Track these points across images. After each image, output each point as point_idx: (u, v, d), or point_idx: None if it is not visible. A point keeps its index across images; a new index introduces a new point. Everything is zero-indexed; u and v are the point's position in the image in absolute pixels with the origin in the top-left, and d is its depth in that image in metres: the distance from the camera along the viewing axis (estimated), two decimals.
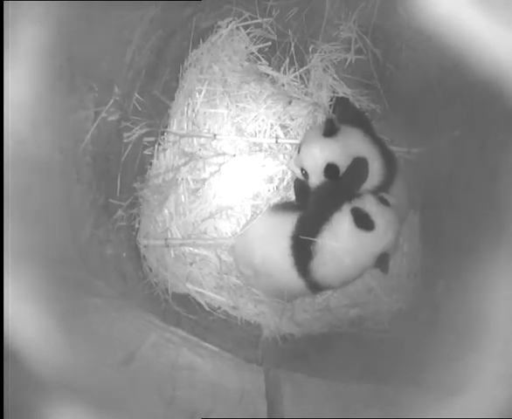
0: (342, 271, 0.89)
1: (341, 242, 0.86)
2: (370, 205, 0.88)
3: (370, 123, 1.03)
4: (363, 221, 0.86)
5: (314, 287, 0.92)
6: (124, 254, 0.94)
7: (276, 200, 1.04)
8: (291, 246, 0.89)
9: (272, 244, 0.92)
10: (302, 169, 0.95)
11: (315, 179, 0.94)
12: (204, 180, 1.04)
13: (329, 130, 0.92)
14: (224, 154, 1.04)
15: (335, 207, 0.89)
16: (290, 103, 1.05)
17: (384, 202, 0.90)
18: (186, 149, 1.04)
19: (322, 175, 0.92)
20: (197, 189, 1.04)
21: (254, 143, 1.05)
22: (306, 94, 1.06)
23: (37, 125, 0.62)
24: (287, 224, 0.91)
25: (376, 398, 0.66)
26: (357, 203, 0.89)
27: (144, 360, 0.65)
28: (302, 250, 0.88)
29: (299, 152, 0.95)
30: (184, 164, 1.03)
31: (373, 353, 0.87)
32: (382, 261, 0.87)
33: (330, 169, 0.91)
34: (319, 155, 0.92)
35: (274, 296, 0.99)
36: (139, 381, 0.61)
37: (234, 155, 1.04)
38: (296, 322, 1.00)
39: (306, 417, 0.65)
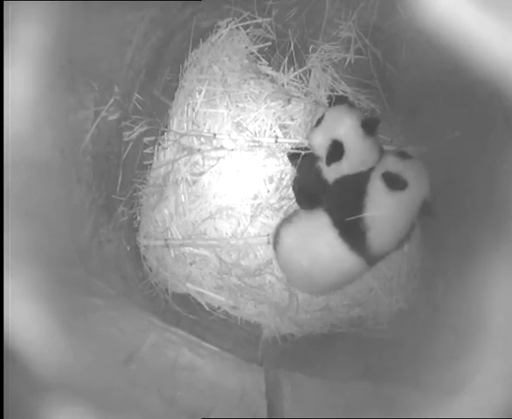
0: (397, 231, 0.90)
1: (383, 208, 0.87)
2: (394, 165, 0.89)
3: None
4: (394, 182, 0.86)
5: (373, 260, 0.93)
6: (128, 248, 0.94)
7: (275, 200, 1.04)
8: (340, 234, 0.89)
9: (316, 243, 0.91)
10: (332, 142, 0.89)
11: (352, 156, 0.89)
12: (202, 173, 1.04)
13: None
14: (222, 148, 1.04)
15: (363, 181, 0.89)
16: (289, 102, 1.05)
17: (405, 156, 0.91)
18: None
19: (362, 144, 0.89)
20: (195, 182, 1.04)
21: (254, 141, 1.05)
22: (306, 94, 1.06)
23: (37, 125, 0.62)
24: (322, 218, 0.91)
25: (376, 398, 0.66)
26: (383, 168, 0.89)
27: (144, 360, 0.65)
28: (354, 231, 0.88)
29: (321, 122, 0.92)
30: (184, 157, 1.02)
31: (373, 353, 0.87)
32: (425, 209, 0.88)
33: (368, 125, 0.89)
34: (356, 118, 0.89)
35: (328, 291, 1.00)
36: (139, 381, 0.61)
37: (232, 150, 1.04)
38: (296, 322, 1.00)
39: (306, 417, 0.65)
